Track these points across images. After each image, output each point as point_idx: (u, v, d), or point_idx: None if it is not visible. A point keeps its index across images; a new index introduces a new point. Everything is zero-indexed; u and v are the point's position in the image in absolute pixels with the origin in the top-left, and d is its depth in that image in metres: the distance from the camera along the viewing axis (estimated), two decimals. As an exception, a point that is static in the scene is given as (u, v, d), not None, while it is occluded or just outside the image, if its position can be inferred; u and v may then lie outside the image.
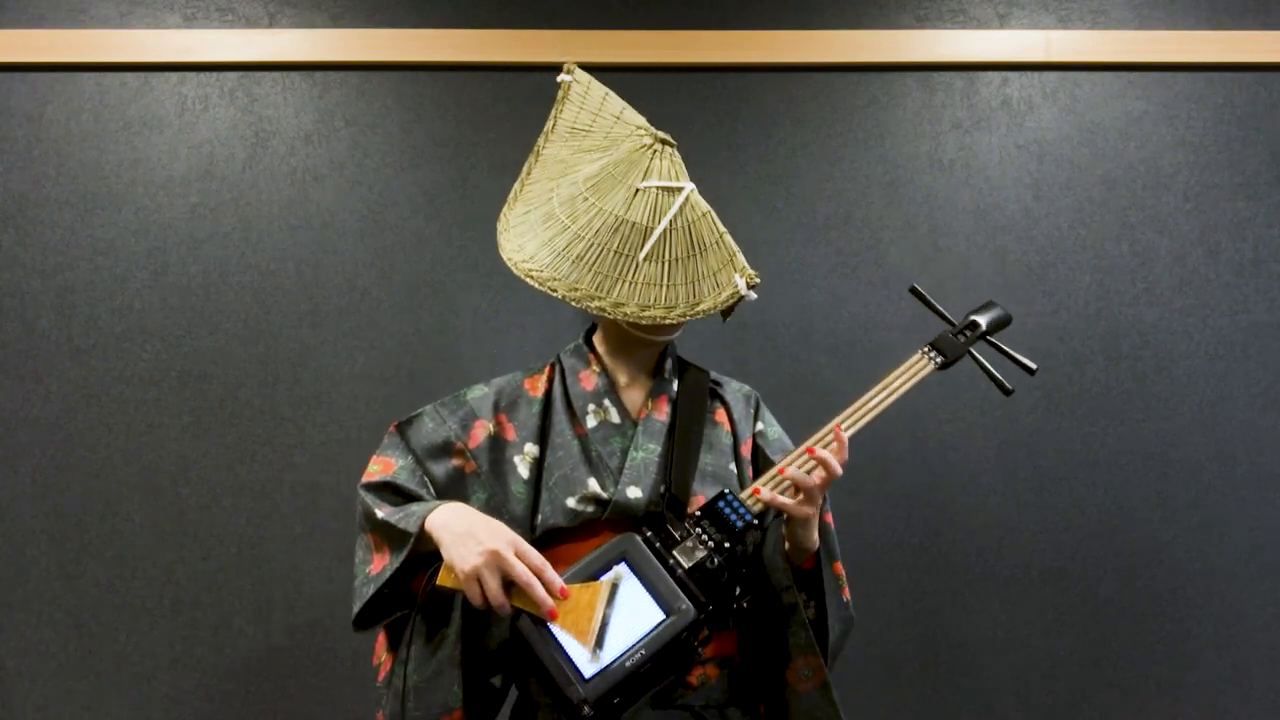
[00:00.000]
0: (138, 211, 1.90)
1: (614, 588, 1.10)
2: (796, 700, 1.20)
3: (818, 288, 1.95)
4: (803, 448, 1.19)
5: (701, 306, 1.20)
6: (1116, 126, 2.00)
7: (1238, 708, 1.90)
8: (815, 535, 1.20)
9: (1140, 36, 2.00)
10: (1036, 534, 1.92)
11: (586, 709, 1.04)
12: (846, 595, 1.29)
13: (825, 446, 1.18)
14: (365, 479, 1.24)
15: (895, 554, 1.91)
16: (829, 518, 1.29)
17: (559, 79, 1.32)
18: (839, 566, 1.29)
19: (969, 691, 1.89)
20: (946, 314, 1.31)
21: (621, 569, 1.12)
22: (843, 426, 1.20)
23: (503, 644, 1.20)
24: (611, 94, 1.33)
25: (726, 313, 1.30)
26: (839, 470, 1.16)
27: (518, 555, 1.08)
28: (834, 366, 1.92)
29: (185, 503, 1.86)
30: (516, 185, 1.31)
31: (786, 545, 1.22)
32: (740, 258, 1.22)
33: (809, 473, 1.16)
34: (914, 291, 1.34)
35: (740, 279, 1.20)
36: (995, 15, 2.02)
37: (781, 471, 1.18)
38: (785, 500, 1.16)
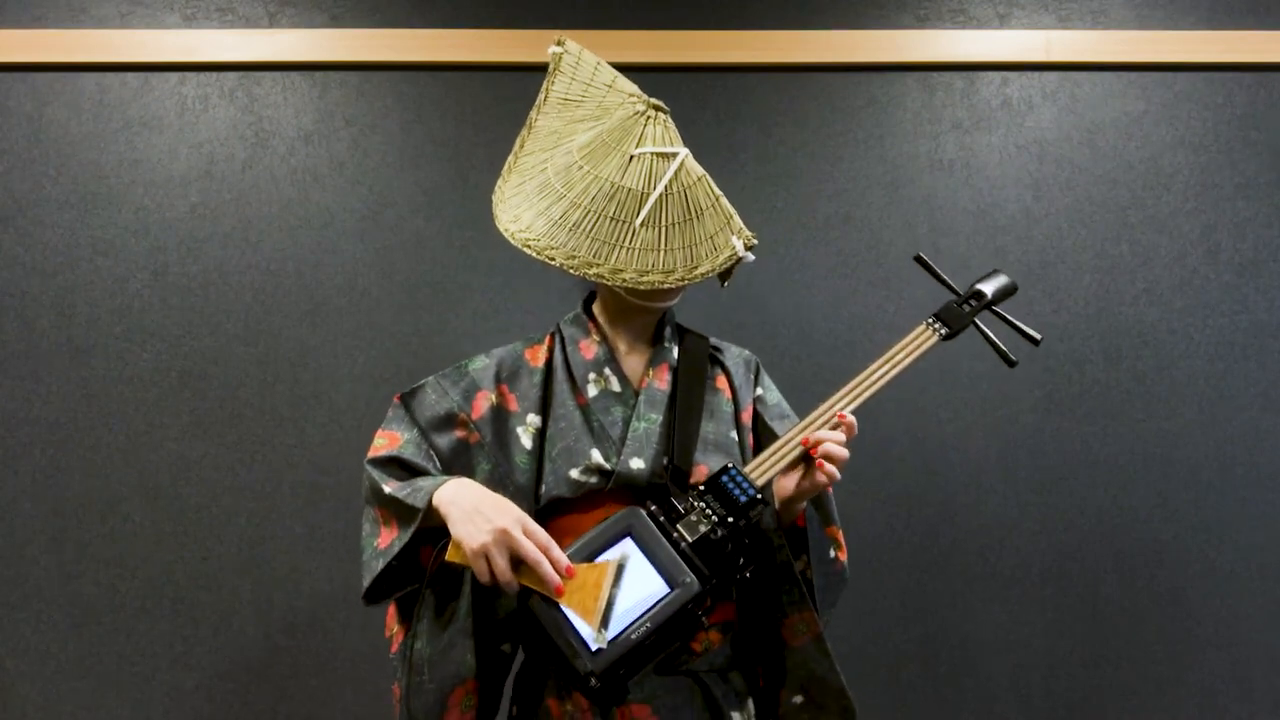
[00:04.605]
0: (138, 211, 1.90)
1: (620, 568, 1.11)
2: (792, 655, 1.22)
3: (818, 288, 1.95)
4: (805, 422, 1.20)
5: (699, 270, 1.19)
6: (1116, 126, 2.00)
7: (1238, 708, 1.90)
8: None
9: (1140, 36, 2.00)
10: (1036, 534, 1.92)
11: (594, 680, 1.05)
12: (843, 556, 1.29)
13: (833, 428, 1.19)
14: (371, 454, 1.23)
15: (895, 554, 1.91)
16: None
17: (549, 50, 1.31)
18: (835, 530, 1.30)
19: (969, 691, 1.89)
20: (951, 283, 1.30)
21: (627, 544, 1.13)
22: (845, 403, 1.21)
23: (511, 613, 1.21)
24: (603, 64, 1.32)
25: (724, 277, 1.30)
26: (846, 454, 1.17)
27: (525, 533, 1.09)
28: (834, 366, 1.92)
29: (185, 503, 1.86)
30: (510, 159, 1.29)
31: (777, 505, 1.23)
32: (737, 220, 1.22)
33: (812, 460, 1.17)
34: (919, 260, 1.32)
35: (737, 240, 1.20)
36: (995, 15, 2.02)
37: (807, 443, 1.19)
38: (794, 483, 1.18)
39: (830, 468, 1.15)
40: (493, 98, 1.95)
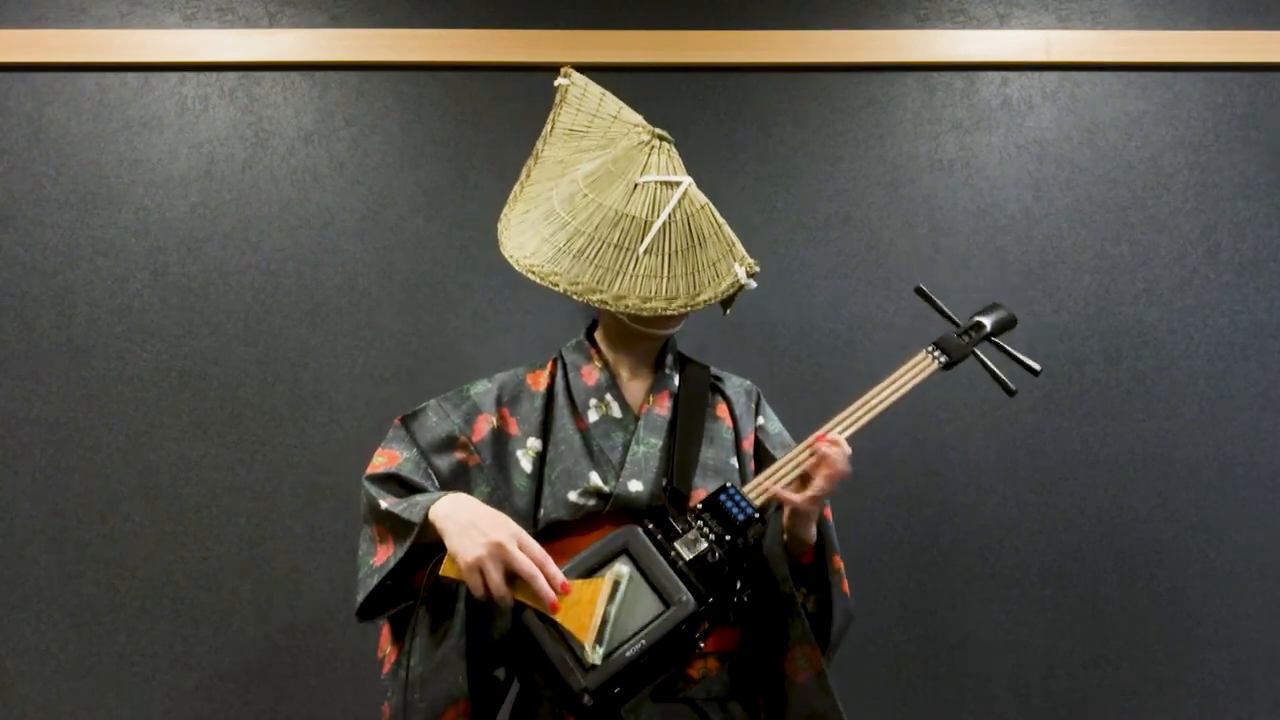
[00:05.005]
0: (138, 211, 1.90)
1: (616, 585, 1.11)
2: (793, 690, 1.20)
3: (818, 288, 1.95)
4: (803, 445, 1.20)
5: (702, 297, 1.21)
6: (1116, 126, 2.00)
7: (1238, 708, 1.90)
8: (813, 530, 1.22)
9: (1140, 36, 2.00)
10: (1036, 534, 1.92)
11: (587, 697, 1.05)
12: (846, 589, 1.29)
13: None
14: (370, 470, 1.24)
15: (895, 554, 1.91)
16: (828, 513, 1.30)
17: (556, 83, 1.33)
18: (838, 560, 1.30)
19: (969, 691, 1.89)
20: (951, 314, 1.32)
21: (623, 562, 1.12)
22: (842, 427, 1.21)
23: (505, 636, 1.20)
24: (608, 94, 1.34)
25: (727, 303, 1.31)
26: (844, 468, 1.17)
27: (520, 548, 1.09)
28: (834, 366, 1.92)
29: (185, 503, 1.86)
30: (516, 188, 1.32)
31: (785, 538, 1.23)
32: (739, 247, 1.23)
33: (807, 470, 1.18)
34: (919, 291, 1.34)
35: (740, 268, 1.21)
36: (995, 15, 2.02)
37: (815, 441, 1.19)
38: (792, 495, 1.17)
39: (840, 450, 1.16)
40: (493, 98, 1.95)
